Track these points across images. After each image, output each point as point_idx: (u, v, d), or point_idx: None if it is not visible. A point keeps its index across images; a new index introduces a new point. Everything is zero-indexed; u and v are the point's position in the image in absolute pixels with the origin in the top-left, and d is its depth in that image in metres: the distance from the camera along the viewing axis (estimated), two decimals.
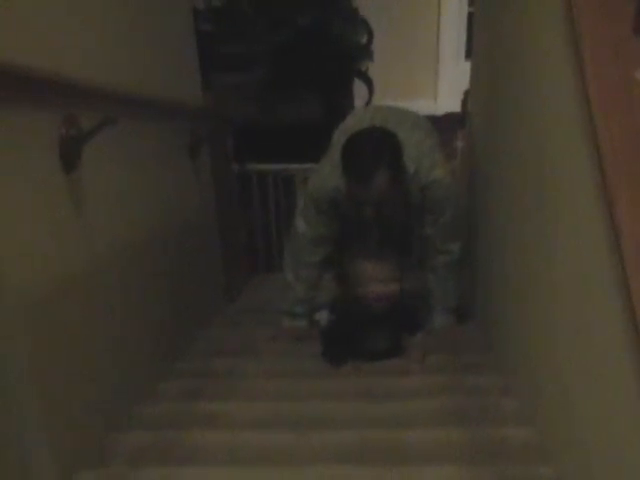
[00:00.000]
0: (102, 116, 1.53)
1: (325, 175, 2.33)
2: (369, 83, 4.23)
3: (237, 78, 3.79)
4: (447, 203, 2.29)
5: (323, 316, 2.47)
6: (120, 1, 1.93)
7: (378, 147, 2.10)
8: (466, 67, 3.12)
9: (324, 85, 3.99)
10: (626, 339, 1.05)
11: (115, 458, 1.60)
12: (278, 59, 3.86)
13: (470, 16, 3.33)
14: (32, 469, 1.34)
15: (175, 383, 2.07)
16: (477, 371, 2.06)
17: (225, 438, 1.65)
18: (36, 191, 1.37)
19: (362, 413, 1.77)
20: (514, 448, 1.55)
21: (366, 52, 4.18)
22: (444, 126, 3.12)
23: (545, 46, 1.58)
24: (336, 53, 3.94)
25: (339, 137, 2.40)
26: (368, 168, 2.06)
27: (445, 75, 5.03)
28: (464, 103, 3.21)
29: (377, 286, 2.17)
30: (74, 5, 1.61)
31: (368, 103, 4.12)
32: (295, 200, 3.56)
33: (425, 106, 4.34)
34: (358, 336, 2.21)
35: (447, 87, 4.95)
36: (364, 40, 4.15)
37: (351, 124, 2.43)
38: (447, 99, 4.79)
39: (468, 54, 3.12)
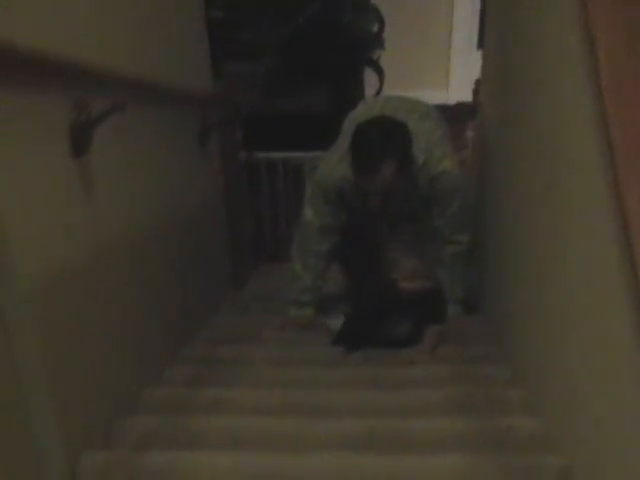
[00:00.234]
0: (112, 101, 1.53)
1: (333, 164, 2.33)
2: (380, 72, 4.20)
3: (247, 66, 3.78)
4: (456, 194, 2.29)
5: (334, 322, 2.44)
6: None
7: (387, 136, 2.09)
8: (478, 57, 3.10)
9: (334, 74, 3.97)
10: (636, 332, 1.04)
11: (121, 442, 1.61)
12: (288, 47, 3.85)
13: (483, 5, 3.30)
14: (41, 450, 1.35)
15: (182, 369, 2.08)
16: (484, 362, 2.06)
17: (230, 424, 1.66)
18: (46, 175, 1.37)
19: (368, 402, 1.77)
20: (520, 438, 1.56)
21: (377, 41, 4.15)
22: (455, 116, 3.11)
23: (559, 35, 1.57)
24: (347, 42, 3.92)
25: (349, 126, 2.39)
26: (376, 157, 2.05)
27: (457, 65, 5.00)
28: (475, 93, 3.19)
29: (410, 282, 2.14)
30: None
31: (379, 92, 4.10)
32: (304, 189, 3.56)
33: (437, 96, 4.32)
34: (379, 322, 2.21)
35: (459, 77, 4.92)
36: (375, 29, 4.12)
37: (361, 113, 2.42)
38: (459, 89, 4.77)
39: (480, 44, 3.09)
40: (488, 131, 2.67)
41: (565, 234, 1.50)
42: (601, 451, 1.25)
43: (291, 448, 1.54)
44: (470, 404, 1.73)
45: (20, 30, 1.27)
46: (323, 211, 2.40)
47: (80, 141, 1.48)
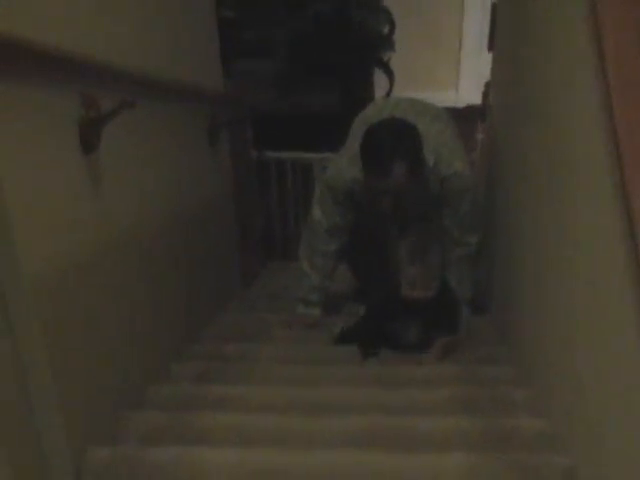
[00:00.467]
0: (121, 98, 1.54)
1: (343, 165, 2.34)
2: (390, 73, 4.20)
3: (257, 65, 3.79)
4: (466, 195, 2.28)
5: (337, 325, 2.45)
6: None
7: (398, 138, 2.09)
8: (488, 59, 3.09)
9: (344, 74, 3.97)
10: None
11: (127, 437, 1.61)
12: (298, 48, 3.85)
13: (494, 7, 3.28)
14: (45, 446, 1.35)
15: (189, 365, 2.09)
16: (490, 362, 2.06)
17: (236, 420, 1.66)
18: (55, 172, 1.38)
19: (373, 400, 1.77)
20: (526, 438, 1.55)
21: (388, 42, 4.15)
22: (465, 118, 3.10)
23: (568, 36, 1.57)
24: (357, 42, 3.92)
25: (358, 127, 2.40)
26: (387, 159, 2.05)
27: (467, 67, 4.99)
28: (485, 95, 3.19)
29: (421, 290, 2.12)
30: None
31: (389, 94, 4.10)
32: (313, 188, 3.56)
33: (446, 98, 4.32)
34: (387, 324, 2.20)
35: (469, 79, 4.91)
36: (386, 30, 4.12)
37: (370, 115, 2.43)
38: (469, 91, 4.75)
39: (491, 46, 3.08)
40: (497, 133, 2.67)
41: (572, 234, 1.50)
42: (606, 452, 1.25)
43: (296, 445, 1.54)
44: (475, 404, 1.73)
45: (32, 26, 1.28)
46: (331, 211, 2.41)
47: (89, 138, 1.49)
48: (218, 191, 2.78)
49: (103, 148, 1.55)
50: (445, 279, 2.24)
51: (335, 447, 1.52)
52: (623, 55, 1.16)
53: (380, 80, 4.27)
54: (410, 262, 2.10)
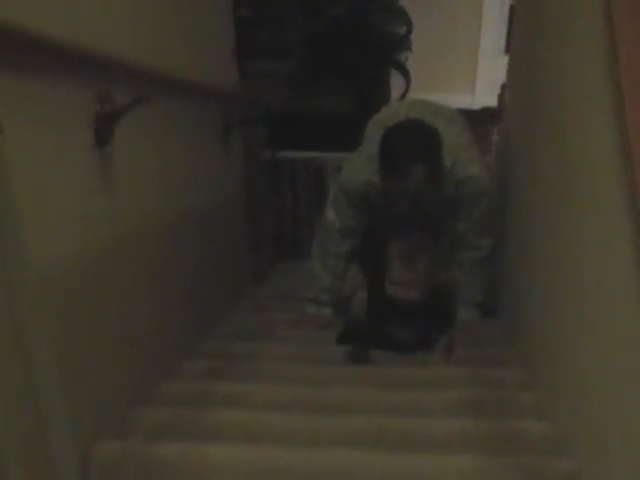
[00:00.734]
0: (136, 94, 1.55)
1: (358, 168, 2.33)
2: (407, 75, 4.19)
3: (272, 66, 3.79)
4: (482, 199, 2.28)
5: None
6: None
7: (418, 140, 2.08)
8: (505, 61, 3.08)
9: (360, 76, 3.96)
10: None
11: (135, 432, 1.62)
12: (315, 48, 3.85)
13: (511, 9, 3.28)
14: (53, 440, 1.36)
15: (198, 363, 2.10)
16: (498, 365, 2.05)
17: (242, 418, 1.67)
18: (69, 165, 1.39)
19: (379, 400, 1.77)
20: (532, 441, 1.54)
21: (404, 43, 4.14)
22: (480, 120, 3.10)
23: (583, 40, 1.56)
24: (374, 43, 3.91)
25: (373, 130, 2.40)
26: (406, 161, 2.04)
27: (484, 69, 4.97)
28: (501, 97, 3.17)
29: (404, 290, 2.12)
30: None
31: (404, 95, 4.09)
32: (326, 189, 3.56)
33: (463, 100, 4.30)
34: (382, 327, 2.20)
35: (486, 81, 4.88)
36: (403, 31, 4.10)
37: (386, 117, 2.42)
38: (485, 93, 4.73)
39: (508, 48, 3.08)
40: (512, 135, 2.66)
41: (581, 235, 1.49)
42: (612, 455, 1.24)
43: (301, 443, 1.54)
44: (481, 406, 1.72)
45: (49, 21, 1.28)
46: (345, 213, 2.40)
47: (103, 132, 1.51)
48: (230, 190, 2.79)
49: (116, 144, 1.56)
50: (439, 283, 2.23)
51: (339, 446, 1.51)
52: (636, 56, 1.15)
53: (396, 81, 4.25)
54: (398, 262, 2.10)
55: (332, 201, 2.45)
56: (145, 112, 1.62)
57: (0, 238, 1.07)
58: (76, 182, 1.42)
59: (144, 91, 1.59)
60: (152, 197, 1.88)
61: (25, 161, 1.21)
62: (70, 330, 1.40)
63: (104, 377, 1.58)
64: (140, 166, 1.78)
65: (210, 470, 1.46)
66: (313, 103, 3.88)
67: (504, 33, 4.60)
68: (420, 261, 2.11)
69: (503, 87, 3.11)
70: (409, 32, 4.16)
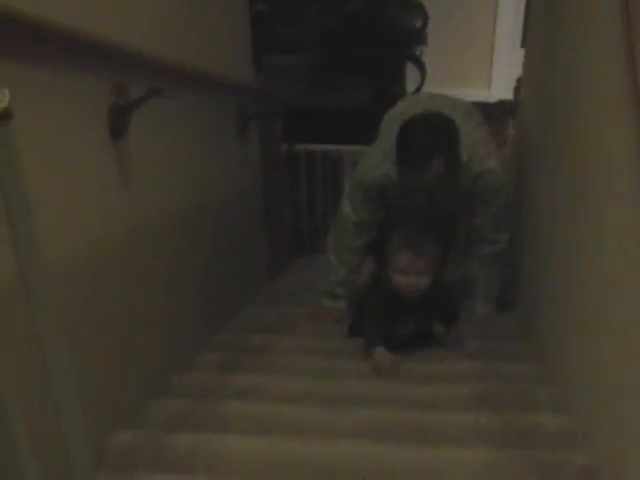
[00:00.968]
0: (150, 86, 1.56)
1: (374, 162, 2.32)
2: (422, 68, 4.17)
3: (289, 60, 3.79)
4: (499, 193, 2.27)
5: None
6: None
7: (436, 133, 2.07)
8: (521, 55, 3.06)
9: (376, 69, 3.95)
10: None
11: (149, 423, 1.64)
12: (331, 41, 3.85)
13: (528, 3, 3.25)
14: (68, 430, 1.37)
15: (213, 355, 2.11)
16: (514, 359, 2.04)
17: (255, 410, 1.67)
18: (84, 157, 1.40)
19: (392, 394, 1.77)
20: (547, 435, 1.53)
21: (420, 36, 4.12)
22: (496, 113, 3.07)
23: (600, 34, 1.55)
24: (389, 37, 3.90)
25: (389, 123, 2.39)
26: (425, 155, 2.03)
27: (500, 62, 4.93)
28: (517, 90, 3.15)
29: (409, 278, 2.09)
30: None
31: (419, 88, 4.08)
32: (343, 182, 3.56)
33: (479, 93, 4.28)
34: (385, 320, 2.18)
35: (502, 74, 4.84)
36: (419, 24, 4.09)
37: (402, 111, 2.41)
38: (501, 87, 4.70)
39: (524, 41, 3.06)
40: (528, 129, 2.64)
41: (599, 229, 1.48)
42: (628, 450, 1.23)
43: (313, 436, 1.54)
44: (497, 400, 1.72)
45: (64, 13, 1.29)
46: (361, 207, 2.40)
47: (118, 125, 1.51)
48: (246, 184, 2.79)
49: (131, 136, 1.57)
50: (440, 276, 2.20)
51: (352, 439, 1.51)
52: None
53: (411, 74, 4.24)
54: (404, 249, 2.03)
55: (348, 195, 2.45)
56: (160, 105, 1.62)
57: (12, 231, 1.07)
58: (90, 175, 1.43)
59: (159, 82, 1.60)
60: (167, 191, 1.88)
61: (38, 153, 1.21)
62: (85, 323, 1.40)
63: (119, 369, 1.59)
64: (155, 160, 1.79)
65: (223, 461, 1.46)
66: (329, 97, 3.88)
67: (520, 27, 4.56)
68: (426, 248, 2.06)
69: (519, 80, 3.08)
70: (425, 25, 4.14)
